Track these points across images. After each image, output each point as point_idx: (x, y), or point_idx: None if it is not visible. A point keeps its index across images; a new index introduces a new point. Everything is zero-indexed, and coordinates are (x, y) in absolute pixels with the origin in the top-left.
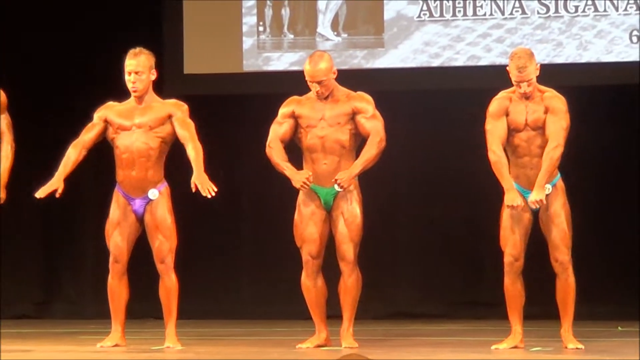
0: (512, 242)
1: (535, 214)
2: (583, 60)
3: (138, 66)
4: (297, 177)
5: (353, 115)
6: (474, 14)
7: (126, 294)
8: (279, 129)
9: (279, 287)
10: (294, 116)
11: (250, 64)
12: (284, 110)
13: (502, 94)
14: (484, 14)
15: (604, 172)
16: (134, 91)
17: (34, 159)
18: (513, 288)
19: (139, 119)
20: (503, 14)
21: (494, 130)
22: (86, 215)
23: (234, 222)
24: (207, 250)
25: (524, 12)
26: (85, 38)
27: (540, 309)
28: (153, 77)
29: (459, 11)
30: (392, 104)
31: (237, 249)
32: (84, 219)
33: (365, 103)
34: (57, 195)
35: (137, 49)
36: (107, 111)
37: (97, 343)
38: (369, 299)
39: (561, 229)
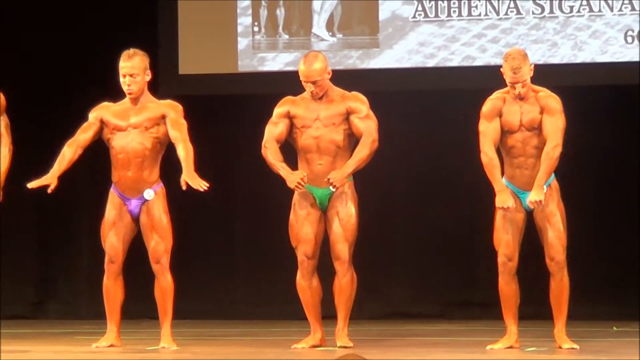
0: (505, 242)
1: (529, 214)
2: (578, 61)
3: (133, 69)
4: (291, 178)
5: (347, 116)
6: (469, 14)
7: (121, 294)
8: (274, 129)
9: (274, 288)
10: (289, 116)
11: (246, 65)
12: (279, 110)
13: (496, 94)
14: (479, 15)
15: (603, 172)
16: (130, 93)
17: (33, 159)
18: (508, 288)
19: (134, 120)
20: (498, 14)
21: (487, 132)
22: (82, 215)
23: (229, 222)
24: (202, 251)
25: (518, 13)
26: (85, 38)
27: (536, 308)
28: (148, 78)
29: (454, 11)
30: (387, 104)
31: (232, 249)
32: (79, 219)
33: (359, 103)
34: (49, 191)
35: (131, 51)
36: (103, 111)
37: (93, 343)
38: (364, 299)
39: (557, 228)
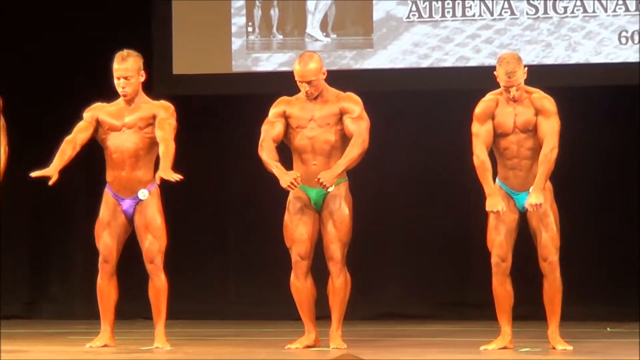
0: (498, 243)
1: (522, 215)
2: (572, 61)
3: (127, 71)
4: (285, 178)
5: (341, 116)
6: (463, 14)
7: (115, 294)
8: (271, 129)
9: (268, 288)
10: (285, 116)
11: (240, 65)
12: (275, 110)
13: (489, 96)
14: (473, 15)
15: (603, 172)
16: (124, 95)
17: (32, 159)
18: (501, 289)
19: (128, 119)
20: (492, 14)
21: (479, 134)
22: (76, 215)
23: (223, 222)
24: (196, 251)
25: (513, 13)
26: (85, 38)
27: (530, 309)
28: (142, 78)
29: (448, 12)
30: (381, 105)
31: (226, 249)
32: (73, 219)
33: (352, 104)
34: (50, 184)
35: (125, 52)
36: (98, 111)
37: (86, 343)
38: (358, 300)
39: (550, 229)
